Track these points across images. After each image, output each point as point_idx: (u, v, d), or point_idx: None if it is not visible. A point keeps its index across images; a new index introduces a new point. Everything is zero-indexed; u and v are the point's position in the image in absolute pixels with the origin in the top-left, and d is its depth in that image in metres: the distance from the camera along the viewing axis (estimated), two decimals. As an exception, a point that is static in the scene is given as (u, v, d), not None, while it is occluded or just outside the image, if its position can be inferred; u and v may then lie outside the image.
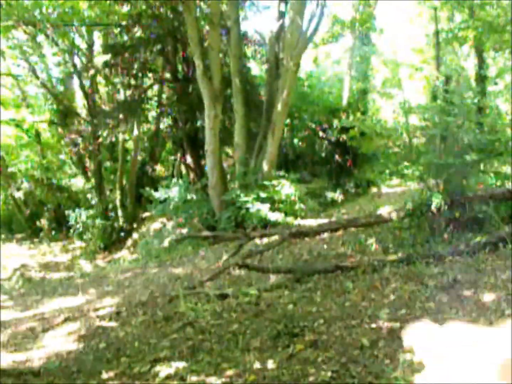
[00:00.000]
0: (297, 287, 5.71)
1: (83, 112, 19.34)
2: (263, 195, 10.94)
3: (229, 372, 3.52)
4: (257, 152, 12.44)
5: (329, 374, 3.23)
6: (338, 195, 14.02)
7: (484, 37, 15.36)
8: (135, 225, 17.00)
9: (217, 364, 3.75)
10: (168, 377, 3.61)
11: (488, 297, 4.23)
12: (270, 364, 3.53)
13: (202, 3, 14.30)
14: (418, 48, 21.16)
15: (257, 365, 3.59)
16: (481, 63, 17.82)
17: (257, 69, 17.67)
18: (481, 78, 17.58)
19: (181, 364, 3.81)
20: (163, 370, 3.74)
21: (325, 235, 8.64)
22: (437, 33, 17.36)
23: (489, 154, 7.06)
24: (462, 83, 17.80)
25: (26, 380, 4.06)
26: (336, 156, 15.71)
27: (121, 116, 15.23)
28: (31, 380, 4.03)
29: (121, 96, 16.60)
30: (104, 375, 3.90)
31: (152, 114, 18.26)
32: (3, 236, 20.20)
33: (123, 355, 4.40)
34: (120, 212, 17.36)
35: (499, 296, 4.17)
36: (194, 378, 3.52)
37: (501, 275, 4.73)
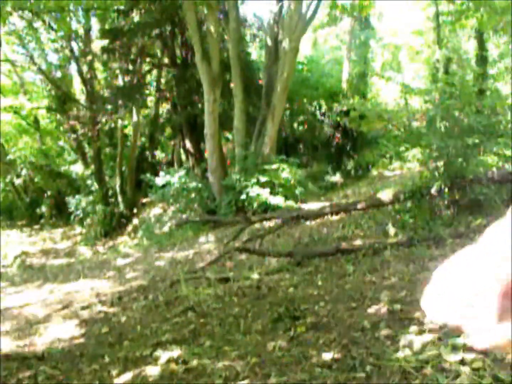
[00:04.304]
0: (297, 270, 5.72)
1: (81, 98, 19.26)
2: (263, 179, 10.93)
3: (231, 355, 3.53)
4: (256, 136, 12.42)
5: (330, 356, 3.24)
6: (338, 179, 14.01)
7: (484, 18, 15.25)
8: (135, 211, 17.01)
9: (218, 347, 3.76)
10: (170, 360, 3.62)
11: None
12: (272, 347, 3.54)
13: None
14: (418, 30, 21.01)
15: (258, 347, 3.60)
16: (482, 45, 17.70)
17: (256, 53, 17.57)
18: (482, 60, 17.48)
19: (182, 348, 3.82)
20: (165, 353, 3.74)
21: (326, 218, 8.65)
22: (437, 15, 17.22)
23: (490, 136, 7.03)
24: (463, 65, 17.72)
25: (30, 364, 4.08)
26: (336, 140, 15.69)
27: (119, 101, 15.17)
28: (35, 364, 4.05)
29: (119, 82, 16.51)
30: (107, 359, 3.92)
31: (151, 99, 18.19)
32: (3, 223, 20.20)
33: (125, 339, 4.42)
34: (120, 198, 17.35)
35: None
36: (196, 361, 3.53)
37: (501, 256, 4.73)
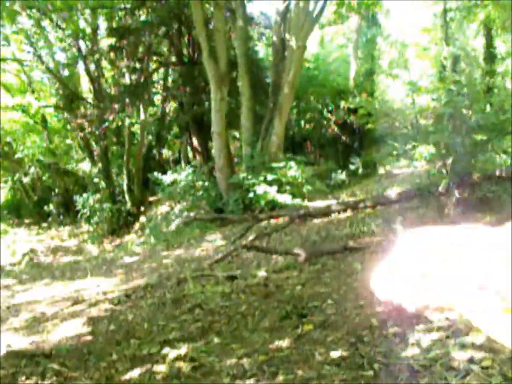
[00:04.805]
0: (305, 268, 5.71)
1: (89, 96, 19.29)
2: (270, 177, 10.93)
3: (239, 353, 3.53)
4: (263, 134, 12.41)
5: (338, 354, 3.23)
6: (345, 177, 13.98)
7: (493, 15, 15.18)
8: (142, 209, 17.03)
9: (226, 344, 3.76)
10: (177, 358, 3.62)
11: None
12: (279, 345, 3.54)
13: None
14: (426, 27, 20.91)
15: (266, 345, 3.59)
16: (490, 42, 17.59)
17: (263, 51, 17.56)
18: (490, 58, 17.37)
19: (190, 345, 3.82)
20: (173, 351, 3.75)
21: (333, 216, 8.64)
22: (445, 12, 17.14)
23: (498, 133, 6.99)
24: (471, 62, 17.63)
25: (38, 361, 4.09)
26: (343, 138, 15.67)
27: (127, 100, 15.20)
28: (42, 362, 4.06)
29: (126, 80, 16.54)
30: (114, 357, 3.93)
31: (158, 97, 18.21)
32: (11, 221, 20.29)
33: (132, 337, 4.42)
34: (127, 196, 17.37)
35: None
36: (203, 359, 3.53)
37: (510, 254, 4.70)
